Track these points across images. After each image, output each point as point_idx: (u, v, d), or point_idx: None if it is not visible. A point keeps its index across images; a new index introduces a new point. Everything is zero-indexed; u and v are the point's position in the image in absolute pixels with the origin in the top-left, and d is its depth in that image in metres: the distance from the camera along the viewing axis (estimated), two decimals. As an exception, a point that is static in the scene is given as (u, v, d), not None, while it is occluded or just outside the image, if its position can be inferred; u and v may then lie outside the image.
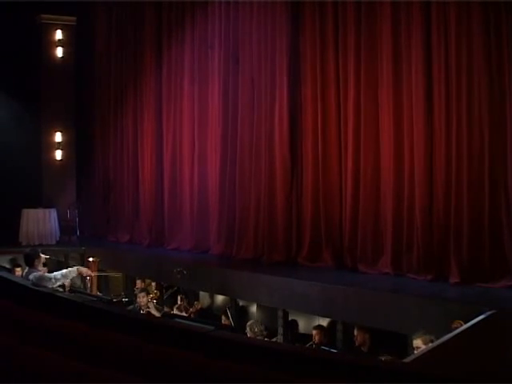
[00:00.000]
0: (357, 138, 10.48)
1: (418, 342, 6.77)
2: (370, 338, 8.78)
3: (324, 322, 10.10)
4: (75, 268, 9.47)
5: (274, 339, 9.68)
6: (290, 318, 10.38)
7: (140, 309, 10.72)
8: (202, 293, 12.70)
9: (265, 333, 9.47)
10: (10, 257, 13.44)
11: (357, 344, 8.78)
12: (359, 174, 10.46)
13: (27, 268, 8.91)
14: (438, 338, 6.23)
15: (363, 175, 10.40)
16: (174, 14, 14.25)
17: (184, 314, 10.86)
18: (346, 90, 10.71)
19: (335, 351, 8.48)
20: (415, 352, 6.71)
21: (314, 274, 10.39)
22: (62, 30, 16.70)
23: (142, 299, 10.97)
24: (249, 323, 9.48)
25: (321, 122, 11.04)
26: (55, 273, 8.89)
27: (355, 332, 8.81)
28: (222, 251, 12.68)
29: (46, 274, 8.79)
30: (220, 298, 12.57)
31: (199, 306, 11.86)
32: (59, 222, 15.69)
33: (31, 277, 8.29)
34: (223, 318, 11.07)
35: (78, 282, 13.70)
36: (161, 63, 14.62)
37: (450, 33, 9.27)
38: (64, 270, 9.14)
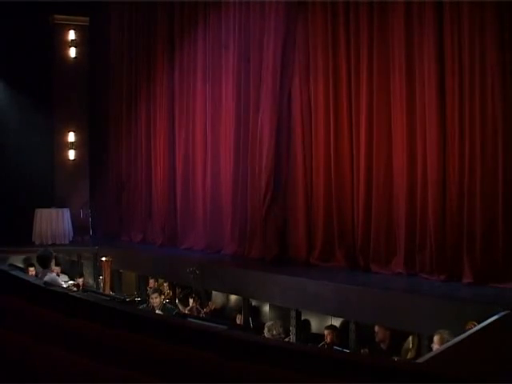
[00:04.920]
0: (369, 137, 10.46)
1: (436, 338, 6.77)
2: (390, 335, 8.78)
3: (337, 322, 10.09)
4: None
5: (286, 339, 9.67)
6: (302, 318, 10.38)
7: (152, 308, 10.74)
8: (214, 292, 12.71)
9: (283, 336, 9.44)
10: (23, 256, 13.51)
11: (377, 340, 8.79)
12: (372, 174, 10.43)
13: (42, 270, 8.95)
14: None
15: (376, 175, 10.38)
16: (186, 13, 14.26)
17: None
18: (357, 89, 10.67)
19: (348, 351, 8.48)
20: (432, 345, 6.74)
21: (326, 273, 10.39)
22: (75, 30, 16.79)
23: (154, 299, 10.99)
24: (268, 324, 9.44)
25: (333, 122, 11.02)
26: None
27: (376, 328, 8.81)
28: (234, 251, 12.69)
29: (60, 281, 8.85)
30: (233, 298, 12.58)
31: (213, 307, 11.86)
32: (72, 222, 15.76)
33: (47, 278, 8.33)
34: (238, 316, 11.08)
35: (91, 282, 13.79)
36: (173, 63, 14.64)
37: (463, 31, 9.23)
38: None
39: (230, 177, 12.96)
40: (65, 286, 9.38)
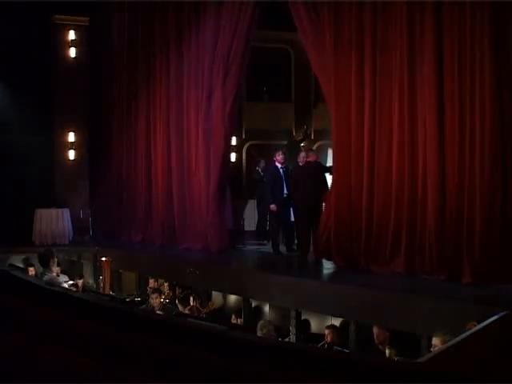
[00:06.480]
0: (371, 138, 10.43)
1: (436, 341, 6.78)
2: (389, 337, 8.77)
3: (337, 322, 10.09)
4: None
5: (286, 339, 9.67)
6: (302, 318, 10.38)
7: (152, 309, 10.73)
8: (214, 293, 12.72)
9: (273, 334, 9.42)
10: (23, 256, 13.51)
11: (376, 342, 8.76)
12: (373, 174, 10.41)
13: (42, 269, 8.93)
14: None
15: (377, 175, 10.36)
16: (185, 13, 14.28)
17: (195, 314, 10.88)
18: (361, 89, 10.63)
19: (348, 351, 8.47)
20: (432, 350, 6.75)
21: (326, 273, 10.40)
22: (74, 30, 16.80)
23: (154, 300, 10.98)
24: (260, 322, 9.44)
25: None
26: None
27: (375, 330, 8.78)
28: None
29: (64, 283, 8.81)
30: (233, 298, 12.58)
31: (213, 307, 11.86)
32: (72, 222, 15.76)
33: (46, 278, 8.32)
34: (233, 317, 11.07)
35: (91, 282, 13.79)
36: (169, 64, 14.67)
37: (463, 32, 9.24)
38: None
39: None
40: (65, 286, 9.36)
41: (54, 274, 9.01)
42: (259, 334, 8.94)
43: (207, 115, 13.41)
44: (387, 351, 8.28)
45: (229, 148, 13.72)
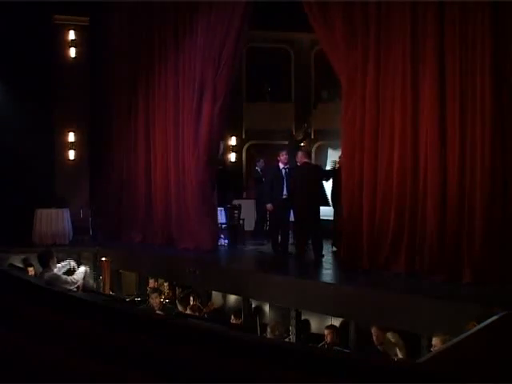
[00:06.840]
0: (374, 139, 10.42)
1: (436, 341, 6.78)
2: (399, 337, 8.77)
3: (337, 322, 10.09)
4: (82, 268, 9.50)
5: (286, 339, 9.68)
6: (302, 318, 10.38)
7: (152, 308, 10.73)
8: (214, 293, 12.71)
9: (285, 335, 9.45)
10: (22, 256, 13.48)
11: (376, 343, 8.76)
12: (376, 175, 10.41)
13: (41, 269, 8.90)
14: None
15: (379, 175, 10.36)
16: (182, 13, 14.28)
17: (197, 314, 10.87)
18: (363, 92, 10.63)
19: (347, 351, 8.48)
20: (432, 350, 6.76)
21: (326, 273, 10.39)
22: (74, 30, 16.75)
23: (154, 299, 10.97)
24: (271, 324, 9.46)
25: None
26: (73, 277, 8.90)
27: (374, 331, 8.78)
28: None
29: (63, 276, 8.78)
30: (232, 298, 12.58)
31: (213, 307, 11.86)
32: (72, 222, 15.73)
33: (46, 277, 8.29)
34: (232, 317, 11.07)
35: (91, 282, 13.76)
36: (166, 64, 14.68)
37: (464, 33, 9.25)
38: (77, 273, 9.17)
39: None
40: (70, 283, 9.25)
41: (54, 272, 8.97)
42: (270, 336, 8.96)
43: (198, 116, 13.45)
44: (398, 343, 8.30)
45: (217, 148, 13.68)
